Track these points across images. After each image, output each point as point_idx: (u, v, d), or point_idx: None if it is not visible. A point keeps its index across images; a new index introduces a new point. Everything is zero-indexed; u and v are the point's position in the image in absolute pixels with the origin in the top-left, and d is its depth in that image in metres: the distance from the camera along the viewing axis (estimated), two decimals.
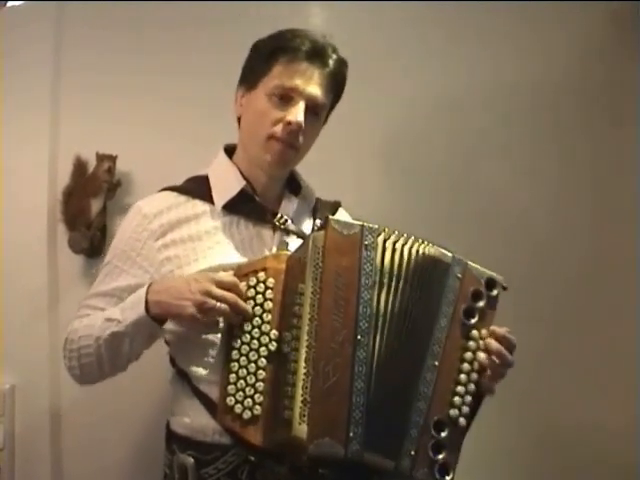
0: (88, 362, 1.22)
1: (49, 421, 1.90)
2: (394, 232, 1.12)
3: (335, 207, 1.40)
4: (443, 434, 1.07)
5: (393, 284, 1.09)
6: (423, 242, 1.14)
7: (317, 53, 1.23)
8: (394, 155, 1.94)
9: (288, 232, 1.27)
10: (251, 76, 1.28)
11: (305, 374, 1.00)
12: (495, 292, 1.15)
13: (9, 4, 1.99)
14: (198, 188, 1.30)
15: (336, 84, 1.28)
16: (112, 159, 1.88)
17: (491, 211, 1.90)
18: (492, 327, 1.15)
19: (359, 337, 1.02)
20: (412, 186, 1.92)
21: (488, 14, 1.91)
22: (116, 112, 1.91)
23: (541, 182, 1.90)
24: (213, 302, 1.09)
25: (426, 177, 1.92)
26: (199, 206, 1.28)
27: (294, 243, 1.25)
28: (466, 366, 1.12)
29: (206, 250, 1.23)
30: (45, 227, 1.92)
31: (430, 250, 1.13)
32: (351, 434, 0.98)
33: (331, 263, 1.04)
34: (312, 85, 1.22)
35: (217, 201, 1.27)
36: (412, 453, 1.04)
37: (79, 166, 1.92)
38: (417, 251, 1.12)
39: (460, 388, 1.10)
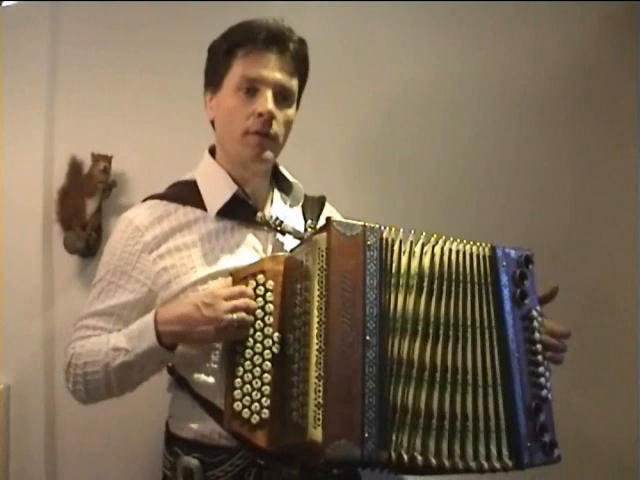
0: (95, 387, 1.20)
1: (44, 421, 1.90)
2: (392, 229, 1.11)
3: (322, 203, 1.40)
4: (542, 416, 1.11)
5: (402, 282, 1.09)
6: (453, 240, 1.15)
7: (274, 39, 1.22)
8: (380, 149, 1.93)
9: (284, 233, 1.26)
10: (214, 77, 1.27)
11: (317, 377, 1.00)
12: (532, 266, 1.20)
13: (4, 4, 1.98)
14: (187, 194, 1.28)
15: (299, 66, 1.27)
16: (107, 159, 1.88)
17: (483, 206, 1.89)
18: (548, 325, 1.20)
19: (368, 338, 1.02)
20: (405, 182, 1.92)
21: (482, 13, 1.91)
22: (111, 112, 1.91)
23: (537, 182, 1.90)
24: (229, 317, 1.09)
25: (420, 172, 1.91)
26: (191, 213, 1.26)
27: (289, 243, 1.25)
28: (538, 347, 1.16)
29: (202, 257, 1.21)
30: (40, 227, 1.92)
31: (466, 248, 1.15)
32: (366, 435, 0.98)
33: (336, 266, 1.04)
34: (275, 72, 1.21)
35: (210, 207, 1.26)
36: (529, 445, 1.09)
37: (74, 166, 1.92)
38: (450, 250, 1.13)
39: (541, 369, 1.14)
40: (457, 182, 1.90)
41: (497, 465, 1.06)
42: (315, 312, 1.03)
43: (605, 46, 1.89)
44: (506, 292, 1.16)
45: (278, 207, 1.33)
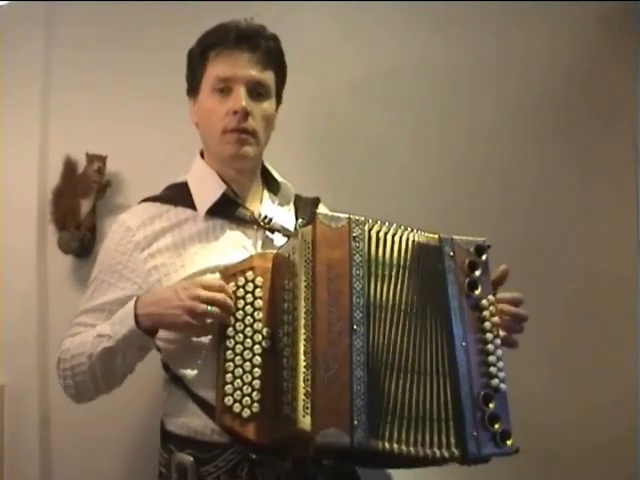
0: (83, 380, 1.22)
1: (38, 420, 1.90)
2: (377, 222, 1.14)
3: (315, 203, 1.42)
4: (492, 405, 1.10)
5: (385, 273, 1.11)
6: (407, 229, 1.16)
7: (244, 38, 1.25)
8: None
9: (273, 231, 1.29)
10: (193, 82, 1.31)
11: (305, 367, 1.01)
12: (485, 256, 1.20)
13: None
14: (179, 195, 1.31)
15: (273, 61, 1.30)
16: (102, 159, 1.89)
17: (479, 205, 1.89)
18: (498, 295, 1.20)
19: (355, 327, 1.04)
20: (401, 182, 1.93)
21: (475, 13, 1.92)
22: (106, 112, 1.92)
23: (533, 182, 1.90)
24: (204, 306, 1.10)
25: (413, 172, 1.91)
26: (182, 213, 1.29)
27: (279, 241, 1.27)
28: (489, 336, 1.15)
29: (192, 255, 1.24)
30: (35, 227, 1.93)
31: (417, 237, 1.16)
32: (355, 422, 0.99)
33: (322, 256, 1.06)
34: (246, 69, 1.25)
35: (200, 207, 1.28)
36: (474, 434, 1.07)
37: (69, 166, 1.92)
38: (407, 239, 1.15)
39: (491, 358, 1.13)
40: (451, 182, 1.90)
41: (445, 454, 1.06)
42: (302, 303, 1.05)
43: (601, 46, 1.89)
44: (452, 282, 1.16)
45: (267, 206, 1.35)
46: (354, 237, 1.09)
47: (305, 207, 1.39)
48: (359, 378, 1.02)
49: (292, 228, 1.31)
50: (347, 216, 1.10)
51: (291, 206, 1.40)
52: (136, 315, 1.15)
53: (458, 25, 1.92)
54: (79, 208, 1.89)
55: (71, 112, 1.94)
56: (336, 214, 1.11)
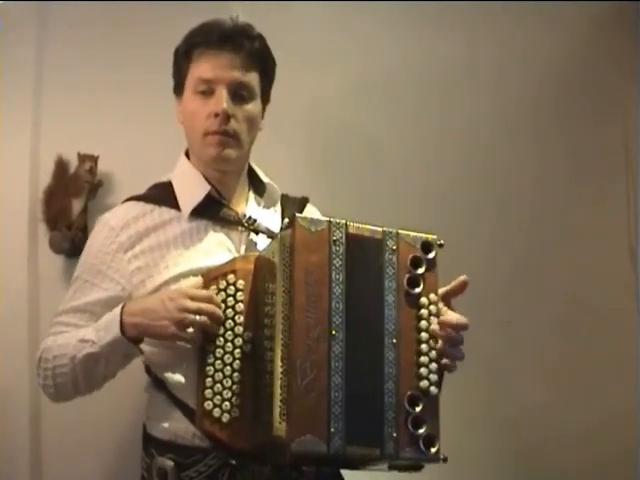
0: (63, 382, 1.21)
1: (28, 422, 1.89)
2: (357, 224, 1.10)
3: (303, 203, 1.41)
4: (418, 408, 1.05)
5: (349, 274, 1.07)
6: (352, 224, 1.10)
7: (228, 38, 1.24)
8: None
9: (257, 232, 1.27)
10: (178, 81, 1.31)
11: (282, 372, 1.00)
12: (433, 254, 1.13)
13: None
14: (163, 195, 1.30)
15: (258, 60, 1.28)
16: (94, 159, 1.89)
17: (477, 207, 1.89)
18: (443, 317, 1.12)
19: (333, 332, 1.02)
20: (395, 185, 1.92)
21: (472, 14, 1.91)
22: (98, 112, 1.92)
23: (520, 180, 1.90)
24: (191, 317, 1.09)
25: (412, 173, 1.91)
26: (166, 213, 1.28)
27: (263, 243, 1.26)
28: (424, 335, 1.09)
29: (176, 257, 1.23)
30: (26, 227, 1.92)
31: (359, 230, 1.11)
32: (332, 429, 0.97)
33: (301, 261, 1.04)
34: (228, 70, 1.24)
35: (184, 207, 1.27)
36: (394, 435, 1.03)
37: (60, 166, 1.92)
38: (350, 234, 1.09)
39: (423, 358, 1.08)
40: (450, 183, 1.90)
41: (369, 453, 1.02)
42: (280, 308, 1.03)
43: (600, 46, 1.89)
44: (389, 276, 1.09)
45: (252, 207, 1.34)
46: (334, 241, 1.06)
47: (292, 207, 1.37)
48: (337, 384, 1.00)
49: (277, 229, 1.29)
50: (327, 219, 1.08)
51: (277, 207, 1.39)
52: (122, 323, 1.14)
53: (458, 25, 1.92)
54: (70, 208, 1.89)
55: (63, 112, 1.94)
56: (316, 217, 1.09)
